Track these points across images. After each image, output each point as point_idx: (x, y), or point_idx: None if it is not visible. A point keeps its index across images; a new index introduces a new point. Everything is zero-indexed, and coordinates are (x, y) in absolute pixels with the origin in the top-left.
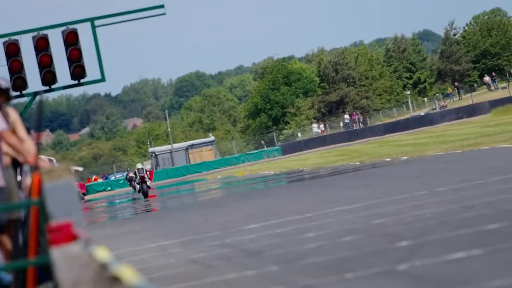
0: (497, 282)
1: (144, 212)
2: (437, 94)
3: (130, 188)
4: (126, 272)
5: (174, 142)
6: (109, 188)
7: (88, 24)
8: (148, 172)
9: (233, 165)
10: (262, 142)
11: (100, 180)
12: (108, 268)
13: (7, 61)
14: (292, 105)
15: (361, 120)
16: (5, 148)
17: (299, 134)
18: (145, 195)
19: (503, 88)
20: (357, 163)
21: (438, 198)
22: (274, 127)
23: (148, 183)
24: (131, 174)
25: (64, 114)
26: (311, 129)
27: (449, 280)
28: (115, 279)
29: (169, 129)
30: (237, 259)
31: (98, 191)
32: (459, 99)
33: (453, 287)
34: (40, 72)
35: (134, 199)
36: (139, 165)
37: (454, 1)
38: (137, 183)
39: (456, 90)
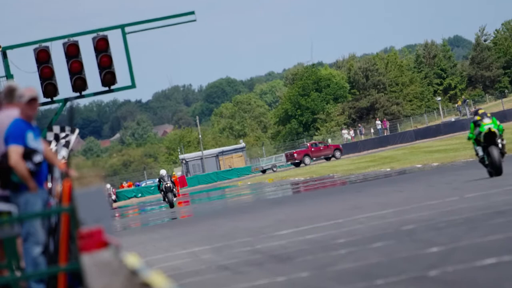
0: None
1: (175, 218)
2: (467, 100)
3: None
4: (157, 279)
5: (204, 149)
6: (139, 194)
7: (119, 30)
8: (177, 179)
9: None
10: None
11: (131, 187)
12: (138, 274)
13: (38, 67)
14: (323, 111)
15: (387, 127)
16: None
17: (329, 140)
18: (171, 205)
19: None
20: (388, 169)
21: (469, 203)
22: (305, 133)
23: (175, 191)
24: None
25: (95, 121)
26: (342, 135)
27: (480, 286)
28: (146, 286)
29: (200, 136)
30: (268, 265)
31: (129, 198)
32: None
33: None
34: (71, 78)
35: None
36: (162, 172)
37: (485, 6)
38: (162, 191)
39: (464, 103)
